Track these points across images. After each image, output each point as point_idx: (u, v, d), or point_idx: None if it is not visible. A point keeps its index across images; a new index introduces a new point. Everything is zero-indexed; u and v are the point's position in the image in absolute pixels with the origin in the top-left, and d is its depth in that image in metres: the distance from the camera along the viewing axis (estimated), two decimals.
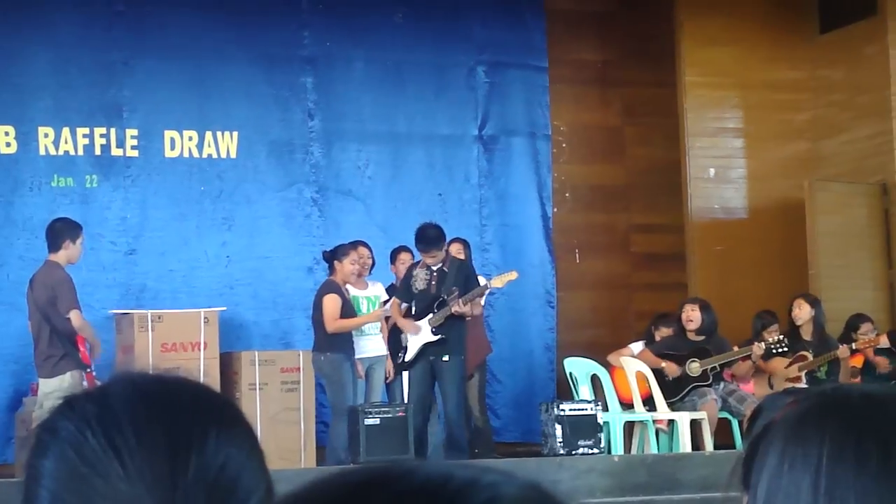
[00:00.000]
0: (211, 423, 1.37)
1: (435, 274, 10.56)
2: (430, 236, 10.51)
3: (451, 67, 13.23)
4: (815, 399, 1.38)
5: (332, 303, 10.60)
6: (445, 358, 10.41)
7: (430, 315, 10.48)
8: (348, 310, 10.73)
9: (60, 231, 10.00)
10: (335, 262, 10.77)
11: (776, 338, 11.31)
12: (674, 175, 13.61)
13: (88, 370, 9.71)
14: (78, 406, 1.39)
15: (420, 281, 10.59)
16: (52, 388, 9.57)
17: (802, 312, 11.62)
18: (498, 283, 10.81)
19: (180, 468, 1.33)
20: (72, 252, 9.97)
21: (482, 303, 11.31)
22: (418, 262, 10.76)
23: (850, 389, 1.38)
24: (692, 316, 11.27)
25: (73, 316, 9.67)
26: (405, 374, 10.93)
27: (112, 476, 1.33)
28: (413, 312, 10.67)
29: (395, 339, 10.83)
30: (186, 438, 1.35)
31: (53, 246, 9.97)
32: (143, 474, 1.33)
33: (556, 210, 13.52)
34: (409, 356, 10.56)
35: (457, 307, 10.36)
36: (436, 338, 10.44)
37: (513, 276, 10.84)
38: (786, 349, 11.31)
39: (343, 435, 10.46)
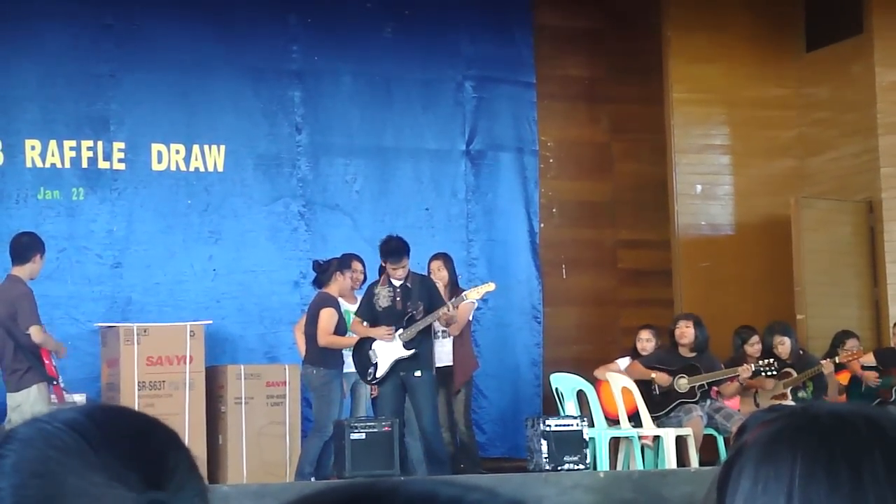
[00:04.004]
0: (170, 440, 1.40)
1: (398, 290, 10.52)
2: (396, 247, 10.47)
3: (439, 82, 13.23)
4: (785, 419, 1.37)
5: (328, 316, 10.56)
6: (417, 373, 10.35)
7: (400, 331, 10.46)
8: (342, 325, 10.71)
9: (29, 245, 9.93)
10: (337, 274, 10.71)
11: (766, 361, 11.32)
12: (661, 191, 13.63)
13: (55, 382, 9.66)
14: (34, 420, 1.39)
15: (383, 298, 10.52)
16: (18, 402, 9.53)
17: (785, 349, 11.68)
18: (474, 294, 10.75)
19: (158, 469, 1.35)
20: (36, 267, 9.91)
21: (470, 318, 11.31)
22: (377, 281, 10.70)
23: (820, 408, 1.38)
24: (686, 333, 11.27)
25: (34, 332, 9.59)
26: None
27: (82, 457, 1.33)
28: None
29: (362, 356, 10.75)
30: (157, 450, 1.37)
31: (21, 259, 9.88)
32: (114, 462, 1.33)
33: (542, 225, 13.52)
34: (380, 372, 10.48)
35: (446, 311, 10.32)
36: (408, 353, 10.39)
37: (490, 287, 10.79)
38: (775, 372, 11.33)
39: (314, 450, 10.46)
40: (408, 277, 10.53)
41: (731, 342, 12.00)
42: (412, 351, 10.37)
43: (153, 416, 1.42)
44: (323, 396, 10.56)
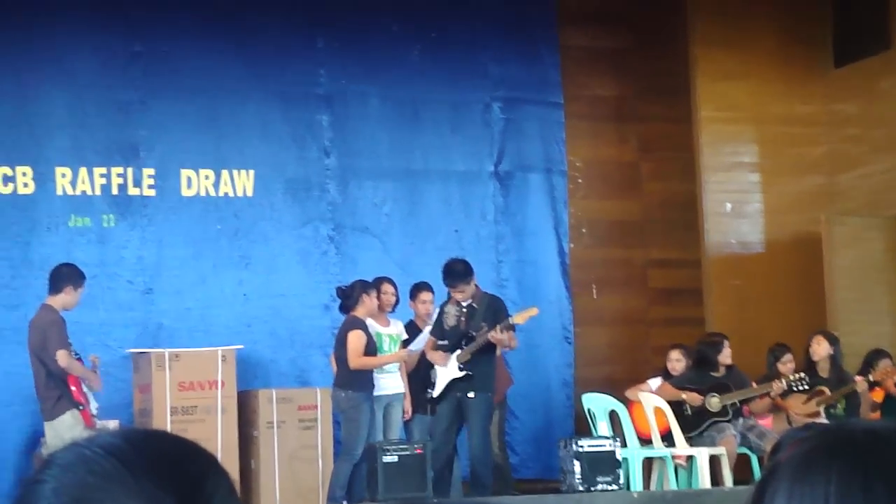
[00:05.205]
0: (208, 464, 1.39)
1: (465, 310, 10.58)
2: (456, 271, 10.55)
3: (467, 104, 13.21)
4: (819, 438, 1.37)
5: (356, 339, 10.58)
6: (471, 394, 10.40)
7: (458, 351, 10.49)
8: (371, 347, 10.73)
9: (65, 276, 10.11)
10: (363, 296, 10.72)
11: (797, 375, 11.27)
12: (690, 210, 13.62)
13: (81, 408, 9.76)
14: (73, 445, 1.39)
15: (451, 317, 10.63)
16: (56, 431, 9.66)
17: (820, 349, 11.59)
18: (519, 319, 10.71)
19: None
20: (69, 299, 10.07)
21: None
22: (449, 300, 10.77)
23: (854, 426, 1.38)
24: (730, 352, 11.35)
25: (60, 356, 9.74)
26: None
27: (121, 482, 1.32)
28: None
29: (424, 376, 10.82)
30: (193, 476, 1.37)
31: (54, 288, 10.08)
32: (152, 488, 1.33)
33: (572, 246, 13.47)
34: (436, 392, 10.57)
35: (494, 334, 10.33)
36: (462, 374, 10.43)
37: (533, 311, 10.79)
38: (807, 387, 11.27)
39: (344, 474, 10.48)
40: (475, 297, 10.56)
41: (766, 360, 11.94)
42: (465, 372, 10.39)
43: (192, 441, 1.42)
44: (352, 419, 10.57)
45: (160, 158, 12.23)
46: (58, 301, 10.04)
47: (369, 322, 10.87)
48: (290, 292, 12.44)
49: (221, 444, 10.79)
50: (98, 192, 12.02)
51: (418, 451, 10.19)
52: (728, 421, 11.14)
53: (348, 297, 10.79)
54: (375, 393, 10.79)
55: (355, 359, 10.55)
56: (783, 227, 13.66)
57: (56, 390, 9.83)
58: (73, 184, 11.95)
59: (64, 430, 9.62)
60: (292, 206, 12.60)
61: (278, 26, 12.70)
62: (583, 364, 13.31)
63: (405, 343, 11.12)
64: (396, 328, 11.20)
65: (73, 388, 9.85)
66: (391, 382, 10.98)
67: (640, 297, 13.77)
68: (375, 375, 10.82)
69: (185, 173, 12.30)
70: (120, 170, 12.10)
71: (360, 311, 10.75)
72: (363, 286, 10.82)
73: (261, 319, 12.32)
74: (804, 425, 1.51)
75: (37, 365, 9.94)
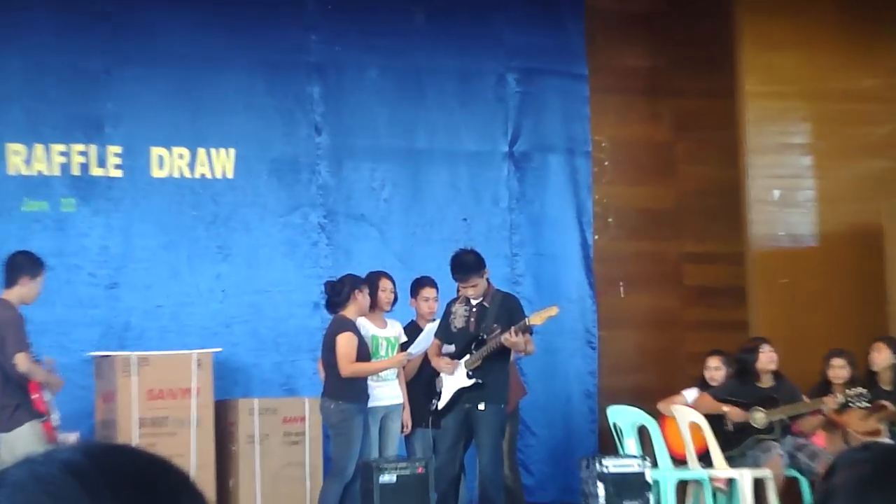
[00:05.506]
0: (181, 484, 1.40)
1: (475, 310, 10.56)
2: (467, 263, 10.54)
3: (478, 75, 13.28)
4: (880, 460, 1.36)
5: (347, 342, 10.59)
6: (481, 406, 10.40)
7: (467, 357, 10.42)
8: (364, 351, 10.68)
9: (19, 265, 10.11)
10: (356, 293, 10.69)
11: (856, 390, 11.19)
12: (732, 197, 13.65)
13: (44, 419, 9.75)
14: (27, 461, 1.39)
15: (459, 318, 10.64)
16: (11, 444, 9.68)
17: (881, 357, 11.60)
18: (537, 319, 10.67)
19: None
20: (27, 291, 10.08)
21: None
22: (457, 298, 10.72)
23: None
24: (772, 357, 11.26)
25: (19, 359, 9.76)
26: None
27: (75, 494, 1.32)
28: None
29: (428, 384, 10.78)
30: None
31: (8, 281, 10.10)
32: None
33: (597, 237, 13.55)
34: (442, 403, 10.56)
35: (508, 336, 10.24)
36: (470, 382, 10.41)
37: (553, 311, 10.74)
38: (868, 404, 11.20)
39: (334, 496, 10.52)
40: (487, 295, 10.51)
41: (819, 370, 11.88)
42: (474, 380, 10.41)
43: (162, 457, 1.42)
44: (342, 434, 10.59)
45: (128, 135, 12.25)
46: (14, 294, 10.08)
47: (364, 323, 10.93)
48: (275, 288, 12.50)
49: (196, 460, 10.85)
50: (57, 172, 12.07)
51: (420, 470, 10.29)
52: (775, 439, 11.15)
53: (337, 293, 10.79)
54: (370, 404, 10.82)
55: (347, 365, 10.54)
56: (839, 217, 13.69)
57: (14, 398, 9.88)
58: (28, 162, 12.00)
59: (20, 443, 9.68)
60: (278, 189, 12.64)
61: None
62: (608, 372, 13.38)
63: (404, 346, 11.08)
64: (394, 330, 11.24)
65: (34, 395, 9.85)
66: (388, 392, 11.00)
67: (673, 296, 13.84)
68: (370, 384, 10.85)
69: (156, 151, 12.33)
70: (82, 147, 12.14)
71: (349, 311, 10.75)
72: (354, 282, 10.81)
73: (241, 319, 12.37)
74: (863, 445, 1.50)
75: None
